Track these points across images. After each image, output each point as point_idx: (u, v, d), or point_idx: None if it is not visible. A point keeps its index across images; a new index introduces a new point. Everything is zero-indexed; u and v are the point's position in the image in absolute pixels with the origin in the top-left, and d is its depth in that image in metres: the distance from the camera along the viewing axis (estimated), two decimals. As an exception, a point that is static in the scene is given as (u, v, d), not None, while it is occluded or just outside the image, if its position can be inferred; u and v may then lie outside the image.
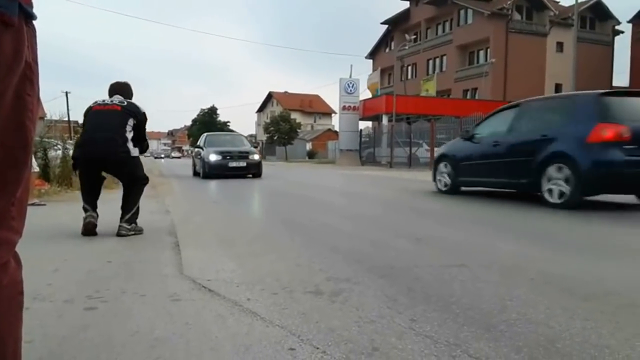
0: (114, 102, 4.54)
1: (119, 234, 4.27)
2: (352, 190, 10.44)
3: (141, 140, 4.70)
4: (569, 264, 3.26)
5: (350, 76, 31.81)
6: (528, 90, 35.47)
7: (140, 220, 4.55)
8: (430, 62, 44.24)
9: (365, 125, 34.95)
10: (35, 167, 7.05)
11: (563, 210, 5.95)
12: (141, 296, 2.45)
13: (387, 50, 50.19)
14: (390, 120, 28.57)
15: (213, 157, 13.64)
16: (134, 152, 4.59)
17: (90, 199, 4.51)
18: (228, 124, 79.65)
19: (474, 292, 2.55)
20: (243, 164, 13.83)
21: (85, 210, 4.43)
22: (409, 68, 45.45)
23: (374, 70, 44.97)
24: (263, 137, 58.86)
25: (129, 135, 4.51)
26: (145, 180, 4.80)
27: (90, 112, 4.59)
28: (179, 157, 75.27)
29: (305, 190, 9.79)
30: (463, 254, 3.53)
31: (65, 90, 48.70)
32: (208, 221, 5.45)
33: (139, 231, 4.45)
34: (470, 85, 39.50)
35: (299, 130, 53.76)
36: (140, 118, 4.62)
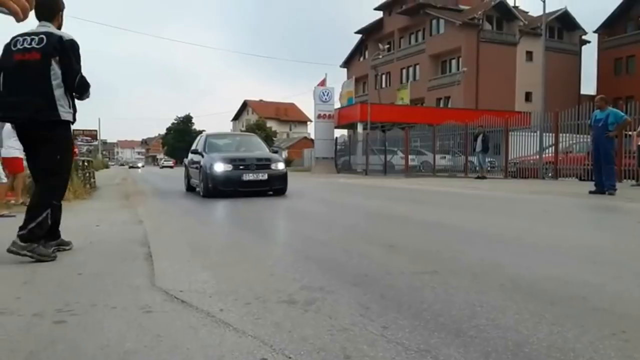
0: (33, 44, 3.63)
1: (8, 250, 3.48)
2: (327, 198, 10.46)
3: (70, 82, 3.68)
4: (537, 269, 3.33)
5: (325, 84, 31.97)
6: (499, 99, 36.35)
7: (111, 231, 4.37)
8: (404, 70, 44.83)
9: (340, 133, 35.16)
10: (3, 179, 6.86)
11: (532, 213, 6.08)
12: (112, 308, 2.42)
13: (362, 59, 50.68)
14: (365, 129, 28.78)
15: (220, 167, 9.79)
16: (65, 114, 3.70)
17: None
18: (203, 132, 79.28)
19: (445, 298, 2.59)
20: (263, 176, 9.96)
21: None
22: (383, 77, 45.98)
23: (348, 78, 45.30)
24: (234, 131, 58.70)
25: (58, 94, 3.65)
26: (67, 173, 3.92)
27: (9, 60, 3.68)
28: (171, 167, 63.75)
29: (281, 199, 9.76)
30: (435, 260, 3.58)
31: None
32: (181, 230, 5.40)
33: (42, 255, 3.53)
34: (443, 93, 40.14)
35: (274, 139, 53.72)
36: (64, 48, 3.64)
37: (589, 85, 49.36)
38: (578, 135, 16.38)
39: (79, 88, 3.79)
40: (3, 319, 2.24)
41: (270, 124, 60.13)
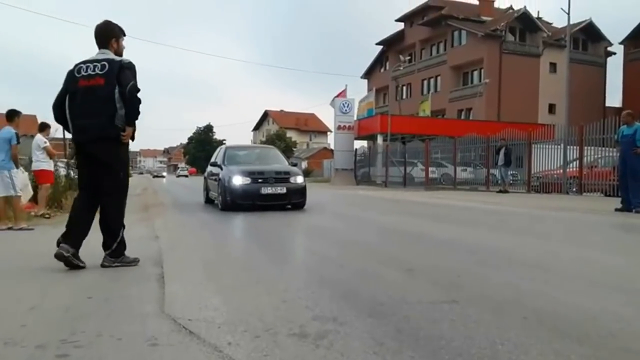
0: (97, 70, 3.96)
1: (102, 265, 4.09)
2: (345, 212, 10.35)
3: (122, 89, 3.92)
4: (562, 298, 3.17)
5: (345, 94, 31.94)
6: (522, 111, 35.87)
7: (128, 247, 4.30)
8: (425, 82, 44.60)
9: (360, 144, 35.06)
10: (19, 192, 6.93)
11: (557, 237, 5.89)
12: (117, 340, 2.35)
13: (382, 70, 50.62)
14: (385, 140, 28.62)
15: (238, 180, 9.79)
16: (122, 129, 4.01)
17: (76, 220, 4.06)
18: (224, 142, 79.91)
19: (464, 334, 2.46)
20: (282, 189, 9.85)
21: (63, 238, 4.01)
22: (404, 88, 45.81)
23: (369, 89, 45.21)
24: (254, 144, 58.90)
25: (119, 112, 4.00)
26: (126, 193, 4.29)
27: (75, 86, 4.03)
28: (186, 176, 67.50)
29: (299, 214, 9.68)
30: (454, 287, 3.44)
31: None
32: (195, 247, 5.33)
33: (130, 262, 4.16)
34: (465, 105, 39.76)
35: (294, 149, 53.87)
36: (122, 69, 3.96)
37: (614, 97, 48.45)
38: (603, 149, 15.97)
39: (129, 97, 3.97)
40: (6, 351, 2.19)
41: (290, 134, 60.34)
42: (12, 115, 6.84)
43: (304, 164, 59.81)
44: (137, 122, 4.19)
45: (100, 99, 3.99)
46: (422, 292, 3.35)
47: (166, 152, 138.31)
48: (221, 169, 10.57)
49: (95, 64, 4.03)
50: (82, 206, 4.21)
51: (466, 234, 6.57)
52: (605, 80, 42.27)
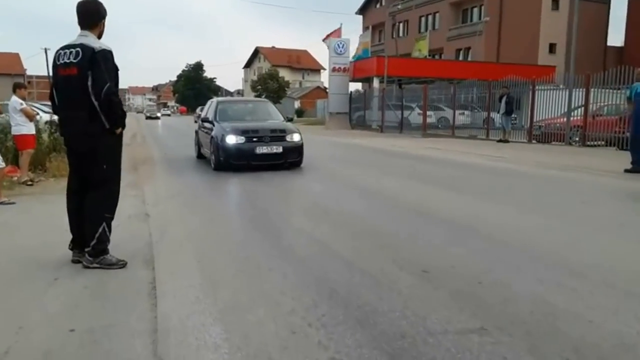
0: (71, 58, 3.60)
1: (83, 265, 3.75)
2: (345, 175, 9.93)
3: (96, 93, 3.51)
4: (599, 319, 2.83)
5: (339, 34, 30.64)
6: (522, 50, 34.83)
7: (112, 237, 3.91)
8: (423, 19, 43.01)
9: (355, 87, 34.13)
10: (1, 163, 6.41)
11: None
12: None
13: (378, 5, 48.68)
14: (381, 82, 27.76)
15: (232, 139, 9.23)
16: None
17: (74, 211, 3.82)
18: (214, 80, 77.99)
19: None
20: (278, 149, 9.36)
21: (72, 243, 3.87)
22: (401, 25, 44.11)
23: (364, 27, 43.64)
24: (251, 94, 57.54)
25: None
26: (116, 184, 3.91)
27: (56, 75, 3.75)
28: (168, 115, 63.99)
29: (295, 178, 9.26)
30: (479, 305, 3.09)
31: (44, 47, 46.86)
32: (188, 236, 4.90)
33: (111, 265, 3.76)
34: (464, 44, 38.53)
35: (287, 89, 52.64)
36: (95, 60, 3.54)
37: (615, 37, 47.03)
38: (608, 91, 15.16)
39: (104, 103, 3.58)
40: None
41: (282, 72, 58.62)
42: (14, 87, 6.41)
43: (297, 104, 58.67)
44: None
45: (76, 90, 3.60)
46: (444, 311, 3.00)
47: (155, 89, 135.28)
48: (213, 125, 10.05)
49: (70, 50, 3.65)
50: (74, 208, 3.87)
51: (476, 210, 6.20)
52: (608, 17, 40.86)
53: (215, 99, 12.22)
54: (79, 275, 3.64)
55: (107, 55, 3.62)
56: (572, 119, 15.86)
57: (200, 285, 3.46)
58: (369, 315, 2.96)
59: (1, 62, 48.25)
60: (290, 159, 9.62)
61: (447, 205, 6.41)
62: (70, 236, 3.91)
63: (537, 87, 17.26)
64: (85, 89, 3.55)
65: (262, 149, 9.31)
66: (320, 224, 5.40)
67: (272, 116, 10.92)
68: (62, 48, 3.71)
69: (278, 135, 9.57)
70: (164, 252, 4.26)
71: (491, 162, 11.18)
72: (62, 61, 3.67)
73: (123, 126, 3.84)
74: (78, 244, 3.83)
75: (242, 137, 9.30)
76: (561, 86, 17.37)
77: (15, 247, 4.40)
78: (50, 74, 3.86)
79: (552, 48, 38.35)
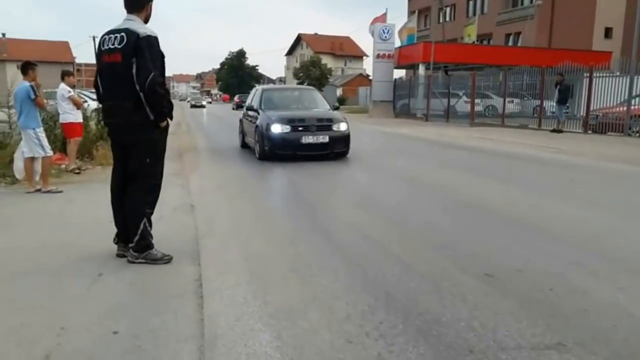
0: (116, 43, 3.42)
1: (128, 260, 3.65)
2: (394, 167, 9.61)
3: (140, 82, 3.33)
4: None
5: (385, 19, 29.94)
6: (575, 35, 33.15)
7: (157, 229, 3.80)
8: (471, 3, 41.56)
9: (399, 74, 33.39)
10: (49, 152, 6.43)
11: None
12: None
13: (424, -10, 47.33)
14: (427, 69, 27.00)
15: (277, 128, 9.01)
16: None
17: (118, 205, 3.70)
18: (257, 67, 78.29)
19: None
20: (324, 138, 9.09)
21: (117, 237, 3.78)
22: (447, 9, 42.83)
23: (409, 12, 42.65)
24: (292, 82, 57.34)
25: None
26: (157, 179, 3.71)
27: (101, 62, 3.60)
28: (209, 103, 61.90)
29: (343, 169, 9.02)
30: (554, 314, 2.77)
31: (92, 35, 47.84)
32: (235, 230, 4.74)
33: (156, 260, 3.63)
34: (514, 29, 37.01)
35: (329, 77, 52.23)
36: (139, 47, 3.34)
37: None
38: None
39: (149, 94, 3.39)
40: None
41: (324, 59, 58.12)
42: (25, 69, 6.24)
43: (339, 92, 58.14)
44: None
45: (121, 78, 3.43)
46: (515, 323, 2.70)
47: (199, 77, 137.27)
48: (258, 113, 9.89)
49: (115, 35, 3.47)
50: (118, 201, 3.74)
51: (538, 207, 5.79)
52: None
53: (260, 87, 12.04)
54: (124, 270, 3.52)
55: (152, 41, 3.42)
56: (632, 107, 14.90)
57: (248, 285, 3.27)
58: (431, 324, 2.70)
59: (50, 51, 49.59)
60: (337, 150, 9.35)
61: (506, 201, 6.02)
62: (115, 229, 3.80)
63: (594, 74, 16.30)
64: (130, 77, 3.37)
65: (308, 139, 9.06)
66: (371, 219, 5.14)
67: (318, 104, 10.63)
68: (107, 33, 3.55)
69: (325, 125, 9.27)
70: (210, 247, 4.10)
71: (549, 154, 10.58)
72: (106, 47, 3.50)
73: (170, 118, 3.66)
74: (123, 238, 3.72)
75: (288, 127, 9.07)
76: (617, 73, 16.33)
77: (59, 239, 4.33)
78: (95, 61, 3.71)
79: (607, 33, 36.36)
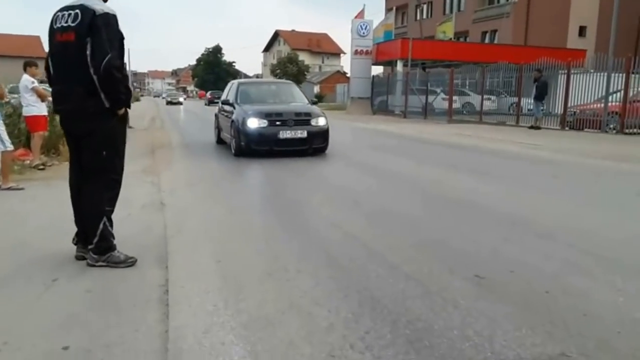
0: (69, 21, 3.07)
1: (87, 263, 3.31)
2: (374, 163, 9.38)
3: (95, 65, 2.97)
4: None
5: (363, 15, 29.69)
6: (551, 33, 33.45)
7: (123, 226, 3.48)
8: (448, 0, 41.64)
9: (377, 70, 33.26)
10: (9, 146, 5.99)
11: None
12: None
13: (402, -14, 47.32)
14: (405, 66, 26.89)
15: (254, 123, 8.66)
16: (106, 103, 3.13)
17: (78, 202, 3.35)
18: (233, 64, 77.37)
19: None
20: (302, 133, 8.79)
21: (77, 235, 3.42)
22: (424, 7, 42.84)
23: (387, 9, 42.57)
24: (270, 78, 56.80)
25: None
26: (117, 173, 3.34)
27: (52, 41, 3.22)
28: (180, 103, 55.17)
29: (321, 165, 8.74)
30: (554, 321, 2.54)
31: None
32: (206, 231, 4.39)
33: (119, 263, 3.30)
34: (490, 26, 37.21)
35: (306, 73, 51.91)
36: (95, 25, 2.99)
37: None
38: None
39: (105, 78, 3.01)
40: None
41: (302, 56, 57.71)
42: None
43: (316, 89, 57.80)
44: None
45: (74, 60, 3.07)
46: (513, 330, 2.47)
47: (174, 73, 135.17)
48: (234, 108, 9.54)
49: (69, 12, 3.12)
50: (76, 199, 3.39)
51: (526, 203, 5.62)
52: (642, -1, 39.03)
53: (236, 81, 11.66)
54: (81, 275, 3.18)
55: (110, 19, 3.06)
56: (609, 104, 14.98)
57: (219, 291, 2.97)
58: (422, 334, 2.44)
59: (19, 44, 47.81)
60: (315, 145, 9.05)
61: (491, 197, 5.83)
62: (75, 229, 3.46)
63: (572, 71, 16.35)
64: (84, 59, 3.02)
65: (285, 134, 8.76)
66: (352, 217, 4.88)
67: (296, 99, 10.30)
68: (61, 10, 3.18)
69: (303, 119, 8.97)
70: (180, 248, 3.78)
71: (529, 150, 10.47)
72: (59, 25, 3.14)
73: (128, 106, 3.31)
74: (82, 239, 3.38)
75: (265, 121, 8.75)
76: (591, 70, 16.44)
77: (13, 240, 3.95)
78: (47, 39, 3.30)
79: (582, 31, 36.79)
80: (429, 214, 5.11)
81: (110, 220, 3.30)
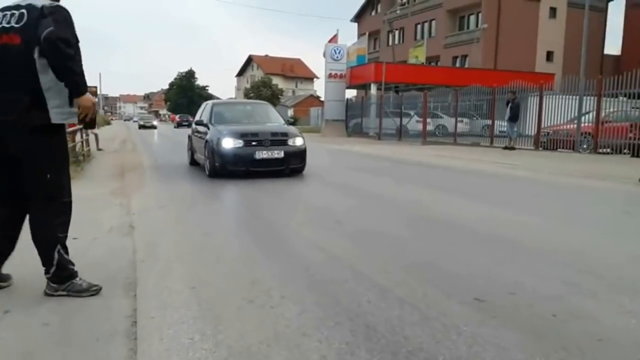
0: (12, 22, 2.71)
1: (45, 293, 2.95)
2: (354, 184, 9.16)
3: (47, 57, 2.63)
4: None
5: (336, 40, 29.89)
6: (519, 58, 34.32)
7: (88, 253, 3.13)
8: (419, 26, 42.54)
9: (352, 94, 33.43)
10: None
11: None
12: None
13: (374, 13, 48.31)
14: (379, 89, 27.07)
15: (229, 143, 8.40)
16: (58, 115, 2.76)
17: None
18: (207, 88, 77.05)
19: None
20: (279, 153, 8.56)
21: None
22: (396, 33, 43.61)
23: (359, 34, 43.14)
24: (244, 100, 56.52)
25: (47, 84, 2.71)
26: (66, 195, 2.95)
27: None
28: (154, 127, 50.48)
29: (299, 186, 8.48)
30: (568, 347, 2.30)
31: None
32: (179, 257, 4.05)
33: (81, 291, 2.94)
34: (460, 52, 38.08)
35: (280, 97, 51.99)
36: (43, 15, 2.64)
37: (612, 44, 46.81)
38: (618, 100, 14.80)
39: (48, 49, 2.62)
40: None
41: (275, 80, 57.87)
42: None
43: (290, 112, 57.83)
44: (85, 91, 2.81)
45: (16, 64, 2.70)
46: (526, 358, 2.22)
47: (147, 97, 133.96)
48: (208, 128, 9.26)
49: (13, 11, 2.75)
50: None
51: (512, 222, 5.45)
52: (605, 26, 40.56)
53: (210, 101, 11.33)
54: (37, 306, 2.81)
55: (58, 9, 2.71)
56: (581, 125, 15.21)
57: (194, 321, 2.65)
58: (425, 365, 2.17)
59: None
60: (293, 165, 8.81)
61: (477, 217, 5.63)
62: None
63: (544, 94, 16.62)
64: (29, 64, 2.67)
65: (262, 154, 8.48)
66: (335, 238, 4.60)
67: (272, 119, 10.09)
68: (2, 9, 2.81)
69: (279, 139, 8.73)
70: (150, 274, 3.44)
71: (507, 170, 10.44)
72: (3, 24, 2.75)
73: (83, 92, 2.78)
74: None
75: (240, 141, 8.47)
76: (559, 93, 16.80)
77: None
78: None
79: (549, 56, 37.98)
80: (414, 234, 4.87)
81: (65, 248, 2.94)
